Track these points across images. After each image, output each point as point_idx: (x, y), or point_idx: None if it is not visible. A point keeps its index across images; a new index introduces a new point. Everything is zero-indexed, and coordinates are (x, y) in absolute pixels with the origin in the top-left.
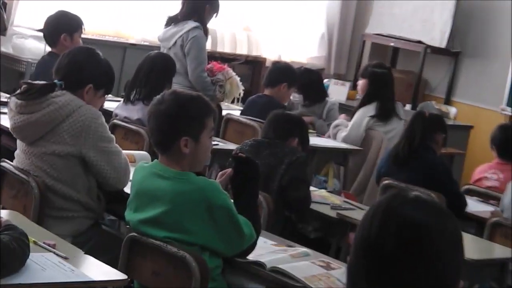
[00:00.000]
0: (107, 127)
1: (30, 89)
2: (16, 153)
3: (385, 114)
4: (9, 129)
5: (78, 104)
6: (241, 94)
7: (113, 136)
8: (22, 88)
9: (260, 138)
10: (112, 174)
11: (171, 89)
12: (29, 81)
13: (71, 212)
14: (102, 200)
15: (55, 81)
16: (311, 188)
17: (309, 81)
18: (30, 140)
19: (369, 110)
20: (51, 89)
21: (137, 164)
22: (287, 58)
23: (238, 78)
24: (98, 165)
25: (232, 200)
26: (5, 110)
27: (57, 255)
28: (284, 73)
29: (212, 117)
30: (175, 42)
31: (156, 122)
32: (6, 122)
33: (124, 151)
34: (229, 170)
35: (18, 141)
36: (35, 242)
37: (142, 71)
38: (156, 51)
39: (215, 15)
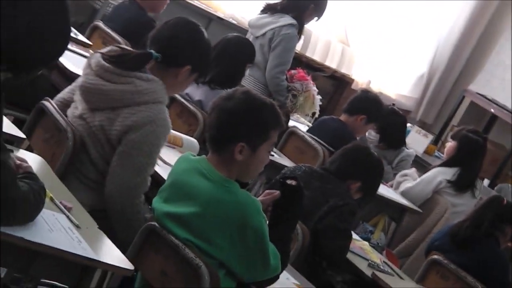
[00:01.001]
0: (159, 148)
1: (123, 55)
2: (70, 111)
3: (462, 185)
4: (80, 84)
5: (156, 99)
6: (316, 114)
7: (155, 162)
8: (113, 51)
9: (317, 167)
10: (115, 182)
11: (245, 88)
12: (123, 46)
13: (96, 184)
14: None
15: (152, 51)
16: (354, 236)
17: (392, 125)
18: (92, 106)
19: (447, 173)
20: (145, 60)
21: (183, 150)
22: (376, 86)
23: (317, 97)
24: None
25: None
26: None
27: (70, 220)
28: (369, 105)
29: (278, 131)
30: (265, 33)
31: (217, 117)
32: (66, 60)
33: (173, 132)
34: (276, 192)
35: (79, 99)
36: (51, 199)
37: (215, 51)
38: (235, 34)
39: (316, 18)
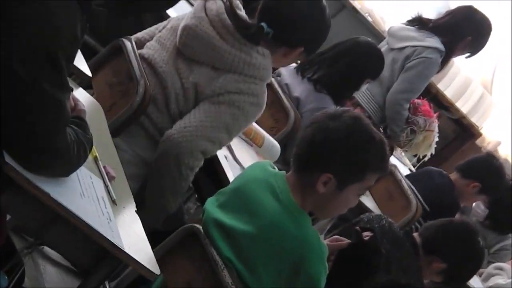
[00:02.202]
0: (246, 123)
1: (246, 26)
2: (152, 43)
3: None
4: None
5: (264, 76)
6: (426, 158)
7: (232, 137)
8: (236, 18)
9: (399, 230)
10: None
11: (357, 113)
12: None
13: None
14: None
15: (263, 25)
16: None
17: (507, 205)
18: (190, 55)
19: None
20: (259, 34)
21: (260, 152)
22: (505, 151)
23: (436, 139)
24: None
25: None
26: None
27: (108, 191)
28: (489, 175)
29: (377, 176)
30: (404, 48)
31: (313, 134)
32: None
33: (257, 127)
34: (345, 242)
35: (171, 38)
36: (95, 159)
37: (338, 48)
38: (369, 39)
39: (469, 54)
